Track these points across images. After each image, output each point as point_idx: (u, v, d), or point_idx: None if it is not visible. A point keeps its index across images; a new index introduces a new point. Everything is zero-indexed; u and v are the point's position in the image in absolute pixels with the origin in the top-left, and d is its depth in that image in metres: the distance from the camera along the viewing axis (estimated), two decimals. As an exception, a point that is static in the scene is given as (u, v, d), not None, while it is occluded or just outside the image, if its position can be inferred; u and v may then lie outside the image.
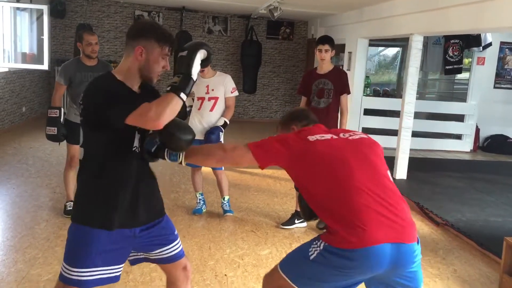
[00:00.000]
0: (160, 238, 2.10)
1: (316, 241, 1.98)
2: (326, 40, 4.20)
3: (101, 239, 1.93)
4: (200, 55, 1.90)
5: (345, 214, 1.90)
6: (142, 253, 2.13)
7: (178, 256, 2.17)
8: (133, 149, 1.97)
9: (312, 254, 1.96)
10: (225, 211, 4.55)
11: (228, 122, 4.34)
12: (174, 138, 1.97)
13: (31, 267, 3.33)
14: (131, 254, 2.12)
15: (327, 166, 1.97)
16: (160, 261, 2.16)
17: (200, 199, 4.65)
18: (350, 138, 2.10)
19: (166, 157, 2.06)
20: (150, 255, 2.13)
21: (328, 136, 2.08)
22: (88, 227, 1.94)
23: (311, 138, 2.05)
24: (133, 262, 2.19)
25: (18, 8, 8.07)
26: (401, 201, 1.98)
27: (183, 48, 1.90)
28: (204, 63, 1.95)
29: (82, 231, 1.95)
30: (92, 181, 1.99)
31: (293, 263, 2.05)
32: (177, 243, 2.17)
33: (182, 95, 1.83)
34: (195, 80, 1.89)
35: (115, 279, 2.05)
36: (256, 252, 3.84)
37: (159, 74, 1.98)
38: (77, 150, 4.33)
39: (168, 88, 1.82)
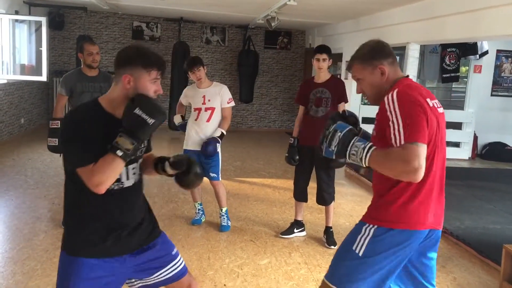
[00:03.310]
0: (156, 262, 2.04)
1: (360, 234, 1.98)
2: (324, 49, 4.23)
3: (87, 266, 1.87)
4: (158, 122, 1.80)
5: (429, 194, 1.97)
6: (139, 281, 2.07)
7: (179, 275, 2.10)
8: (112, 187, 1.85)
9: (360, 250, 1.96)
10: (221, 227, 4.47)
11: (224, 133, 4.35)
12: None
13: (29, 278, 3.32)
14: (128, 283, 2.07)
15: (435, 137, 1.95)
16: (162, 284, 2.10)
17: (199, 209, 4.64)
18: (440, 111, 2.02)
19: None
20: (149, 280, 2.06)
21: (432, 103, 1.97)
22: (72, 256, 1.89)
23: (430, 102, 1.94)
24: None
25: (16, 20, 8.12)
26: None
27: (145, 103, 1.77)
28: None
29: (68, 261, 1.90)
30: (71, 211, 1.96)
31: (343, 270, 2.01)
32: (177, 262, 2.11)
33: (127, 158, 1.76)
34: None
35: None
36: (255, 261, 3.83)
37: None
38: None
39: (120, 154, 1.72)
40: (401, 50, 8.66)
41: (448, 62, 8.64)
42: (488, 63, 8.89)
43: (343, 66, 8.34)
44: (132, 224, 1.98)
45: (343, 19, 8.31)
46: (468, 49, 8.49)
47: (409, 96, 1.87)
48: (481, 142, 9.13)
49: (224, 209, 4.52)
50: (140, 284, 2.08)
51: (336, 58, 7.53)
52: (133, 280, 2.07)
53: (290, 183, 4.62)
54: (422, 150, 1.77)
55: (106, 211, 1.90)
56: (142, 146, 1.97)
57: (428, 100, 1.92)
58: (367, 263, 1.95)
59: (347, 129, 1.94)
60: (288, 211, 5.11)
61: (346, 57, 8.21)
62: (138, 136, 1.75)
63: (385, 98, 1.91)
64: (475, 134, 8.91)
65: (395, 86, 1.95)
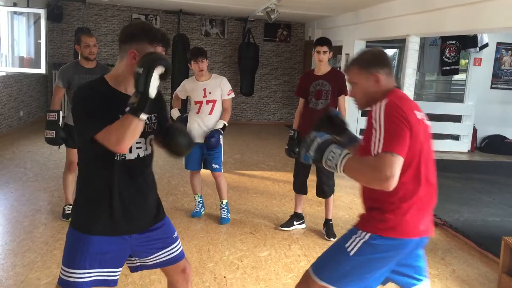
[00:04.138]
0: (158, 242, 2.09)
1: (356, 234, 2.01)
2: (324, 41, 4.21)
3: (96, 243, 1.94)
4: (158, 71, 1.80)
5: (414, 203, 1.96)
6: (138, 260, 2.12)
7: (177, 258, 2.15)
8: (115, 158, 1.92)
9: (352, 249, 1.98)
10: (221, 219, 4.49)
11: (226, 125, 4.35)
12: (172, 143, 2.03)
13: (30, 270, 3.33)
14: (128, 261, 2.12)
15: (421, 149, 1.95)
16: (159, 265, 2.15)
17: (198, 202, 4.65)
18: (426, 123, 2.03)
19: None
20: (148, 260, 2.11)
21: (420, 115, 1.99)
22: (82, 233, 1.95)
23: (418, 115, 1.96)
24: (132, 270, 2.19)
25: (15, 12, 8.08)
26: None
27: (139, 63, 1.80)
28: (163, 77, 1.85)
29: (77, 236, 1.96)
30: (83, 188, 2.01)
31: (330, 264, 2.04)
32: (176, 245, 2.15)
33: (142, 115, 1.78)
34: (153, 97, 1.80)
35: (113, 283, 2.04)
36: (255, 254, 3.84)
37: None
38: (76, 154, 4.32)
39: (127, 109, 1.78)
40: (401, 42, 8.66)
41: (448, 55, 8.63)
42: (488, 55, 8.87)
43: (343, 58, 8.32)
44: (139, 201, 2.02)
45: (343, 12, 8.28)
46: (468, 42, 8.47)
47: (397, 108, 1.90)
48: (481, 135, 9.13)
49: (224, 201, 4.53)
50: (139, 264, 2.14)
51: (336, 50, 7.50)
52: (133, 258, 2.12)
53: (289, 176, 4.62)
54: (397, 160, 1.79)
55: (112, 184, 1.93)
56: (151, 120, 2.01)
57: (416, 112, 1.96)
58: (355, 263, 1.98)
59: (326, 137, 2.01)
60: (287, 203, 5.12)
61: (346, 49, 8.20)
62: (138, 87, 1.77)
63: (374, 107, 1.95)
64: (474, 127, 8.91)
65: (385, 96, 1.98)
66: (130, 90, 1.91)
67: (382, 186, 1.79)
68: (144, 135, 1.97)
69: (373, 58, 2.09)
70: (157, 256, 2.10)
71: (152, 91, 1.78)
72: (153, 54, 1.82)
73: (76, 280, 1.94)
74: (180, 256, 2.17)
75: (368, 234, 1.98)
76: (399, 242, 1.97)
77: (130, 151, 1.94)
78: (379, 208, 1.99)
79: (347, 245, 2.01)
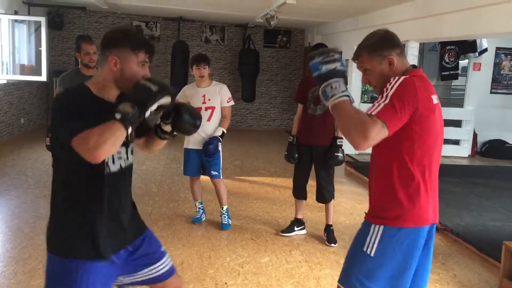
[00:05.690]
0: (145, 258, 1.98)
1: (370, 233, 1.97)
2: (320, 47, 4.24)
3: (87, 270, 1.77)
4: (165, 100, 1.72)
5: (429, 190, 1.95)
6: (128, 278, 1.99)
7: (167, 274, 2.04)
8: (105, 171, 1.79)
9: (371, 251, 1.95)
10: (222, 225, 4.50)
11: (225, 132, 4.36)
12: (181, 121, 1.92)
13: (31, 278, 3.33)
14: (117, 281, 1.98)
15: (434, 137, 1.95)
16: (149, 282, 2.03)
17: (199, 208, 4.65)
18: (438, 106, 1.98)
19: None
20: (137, 276, 1.99)
21: (436, 99, 1.95)
22: (71, 259, 1.77)
23: (435, 99, 1.92)
24: None
25: (16, 20, 8.12)
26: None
27: (150, 79, 1.73)
28: (159, 109, 1.76)
29: (64, 265, 1.78)
30: (63, 206, 1.81)
31: (358, 272, 1.99)
32: (165, 261, 2.04)
33: (130, 128, 1.66)
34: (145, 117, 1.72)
35: None
36: (256, 260, 3.84)
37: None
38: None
39: (118, 116, 1.63)
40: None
41: (447, 60, 8.66)
42: (487, 60, 8.90)
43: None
44: (124, 215, 1.91)
45: (342, 18, 8.32)
46: (467, 47, 8.50)
47: (413, 86, 1.84)
48: (481, 139, 9.14)
49: (225, 208, 4.54)
50: (128, 281, 2.01)
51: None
52: (121, 277, 1.98)
53: (290, 182, 4.63)
54: (383, 131, 1.74)
55: (94, 197, 1.79)
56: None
57: (433, 97, 1.92)
58: (380, 262, 1.95)
59: (345, 70, 1.90)
60: (288, 209, 5.12)
61: (345, 55, 8.21)
62: (139, 99, 1.67)
63: (391, 79, 1.88)
64: (474, 131, 8.92)
65: (406, 75, 1.92)
66: (113, 96, 1.82)
67: (356, 141, 1.73)
68: (125, 144, 1.86)
69: (382, 41, 1.99)
70: (147, 272, 1.99)
71: (149, 112, 1.70)
72: (165, 83, 1.74)
73: None
74: (171, 271, 2.06)
75: (381, 228, 1.94)
76: (414, 231, 1.94)
77: (113, 162, 1.82)
78: (392, 198, 1.95)
79: (365, 248, 1.96)
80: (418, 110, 1.83)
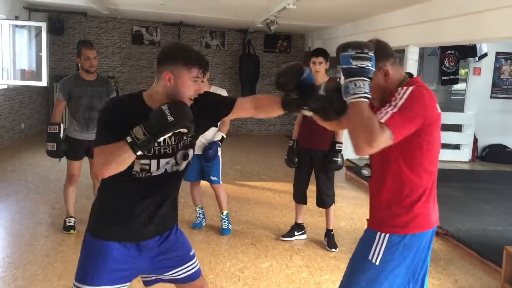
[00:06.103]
0: (173, 260, 2.06)
1: (375, 241, 1.96)
2: (320, 52, 4.25)
3: (115, 253, 1.91)
4: (182, 130, 1.77)
5: (431, 195, 1.98)
6: (154, 276, 2.10)
7: (193, 277, 2.12)
8: (133, 173, 1.89)
9: (376, 259, 1.94)
10: (222, 230, 4.49)
11: (225, 137, 4.36)
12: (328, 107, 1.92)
13: (30, 283, 3.32)
14: (143, 276, 2.10)
15: (439, 144, 1.97)
16: (175, 281, 2.13)
17: (199, 213, 4.65)
18: (440, 114, 1.98)
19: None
20: (164, 276, 2.10)
21: (439, 108, 1.95)
22: (103, 240, 1.92)
23: (438, 108, 1.93)
24: (147, 284, 2.17)
25: (16, 26, 8.14)
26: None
27: (174, 106, 1.76)
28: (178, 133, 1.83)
29: (92, 242, 1.94)
30: (103, 197, 2.01)
31: (363, 282, 1.98)
32: (192, 264, 2.13)
33: (139, 152, 1.74)
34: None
35: None
36: (257, 265, 3.83)
37: (192, 98, 1.88)
38: (77, 167, 4.34)
39: (128, 140, 1.72)
40: (400, 53, 8.71)
41: (447, 65, 8.67)
42: (487, 65, 8.91)
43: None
44: (155, 212, 1.98)
45: (342, 22, 8.33)
46: (467, 52, 8.51)
47: (423, 97, 1.85)
48: (481, 144, 9.13)
49: (225, 213, 4.53)
50: (154, 278, 2.12)
51: (336, 61, 7.55)
52: (149, 274, 2.10)
53: (290, 186, 4.62)
54: (389, 141, 1.74)
55: (126, 194, 1.92)
56: (166, 143, 1.92)
57: (437, 106, 1.93)
58: (386, 271, 1.94)
59: (373, 71, 1.84)
60: (288, 214, 5.12)
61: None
62: (152, 128, 1.72)
63: (398, 89, 1.88)
64: (475, 136, 8.91)
65: (409, 84, 1.92)
66: None
67: (360, 146, 1.72)
68: (173, 155, 1.97)
69: (376, 52, 1.94)
70: (172, 273, 2.08)
71: (161, 139, 1.77)
72: (187, 112, 1.76)
73: None
74: (197, 275, 2.15)
75: (387, 236, 1.94)
76: (420, 236, 1.95)
77: (157, 168, 1.92)
78: (391, 205, 1.96)
79: (370, 256, 1.95)
80: (427, 121, 1.85)
